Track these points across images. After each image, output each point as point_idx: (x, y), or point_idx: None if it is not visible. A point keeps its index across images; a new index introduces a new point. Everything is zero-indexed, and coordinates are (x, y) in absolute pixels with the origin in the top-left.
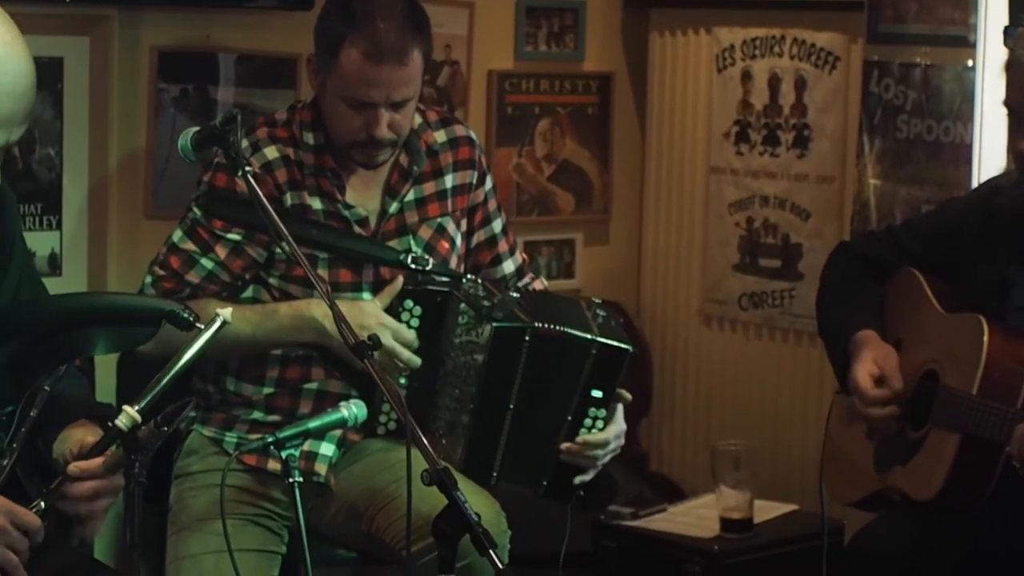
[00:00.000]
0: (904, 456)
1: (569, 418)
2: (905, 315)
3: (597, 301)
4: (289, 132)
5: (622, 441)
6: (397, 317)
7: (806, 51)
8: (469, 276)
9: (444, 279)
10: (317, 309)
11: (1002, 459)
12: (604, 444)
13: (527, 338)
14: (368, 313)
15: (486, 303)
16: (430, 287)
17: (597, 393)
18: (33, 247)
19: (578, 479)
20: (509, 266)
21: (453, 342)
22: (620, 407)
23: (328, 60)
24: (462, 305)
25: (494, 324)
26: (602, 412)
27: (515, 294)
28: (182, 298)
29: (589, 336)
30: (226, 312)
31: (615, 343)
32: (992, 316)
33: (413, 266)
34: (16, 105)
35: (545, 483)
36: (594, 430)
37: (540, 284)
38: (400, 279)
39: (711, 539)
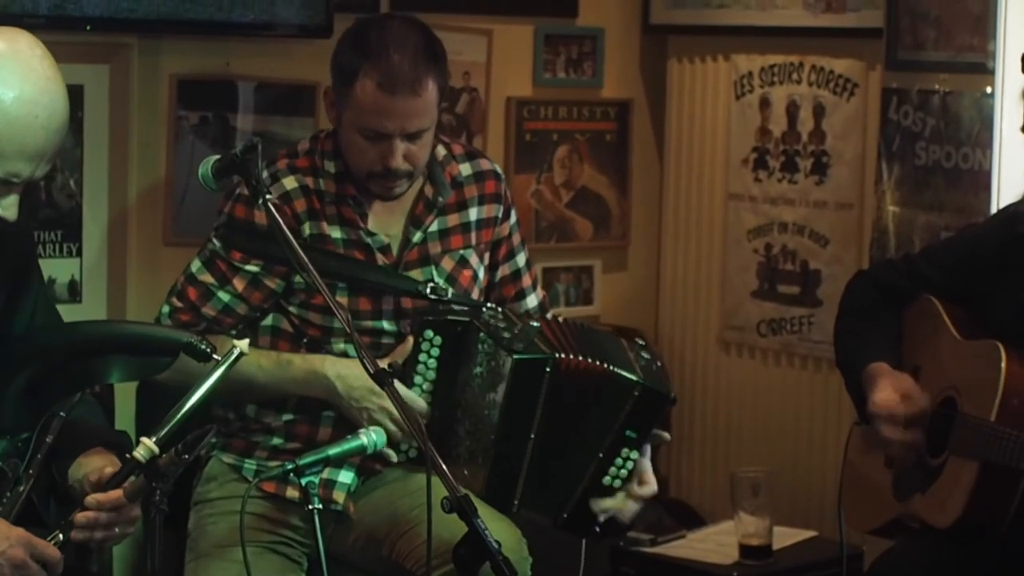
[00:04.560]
0: (923, 483)
1: (600, 455)
2: (923, 342)
3: (641, 343)
4: (311, 161)
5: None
6: (417, 348)
7: (824, 78)
8: (489, 305)
9: (464, 308)
10: (331, 368)
11: (1021, 486)
12: (644, 496)
13: (547, 369)
14: (376, 396)
15: (506, 334)
16: (450, 317)
17: (631, 433)
18: (53, 274)
19: (602, 515)
20: (532, 300)
21: (473, 371)
22: (647, 456)
23: (343, 91)
24: (482, 334)
25: (514, 356)
26: (635, 453)
27: (535, 323)
28: (198, 332)
29: (635, 378)
30: (243, 344)
31: (660, 389)
32: (1010, 343)
33: (432, 296)
34: (48, 141)
35: (565, 515)
36: (623, 470)
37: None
38: (409, 341)
39: (730, 565)
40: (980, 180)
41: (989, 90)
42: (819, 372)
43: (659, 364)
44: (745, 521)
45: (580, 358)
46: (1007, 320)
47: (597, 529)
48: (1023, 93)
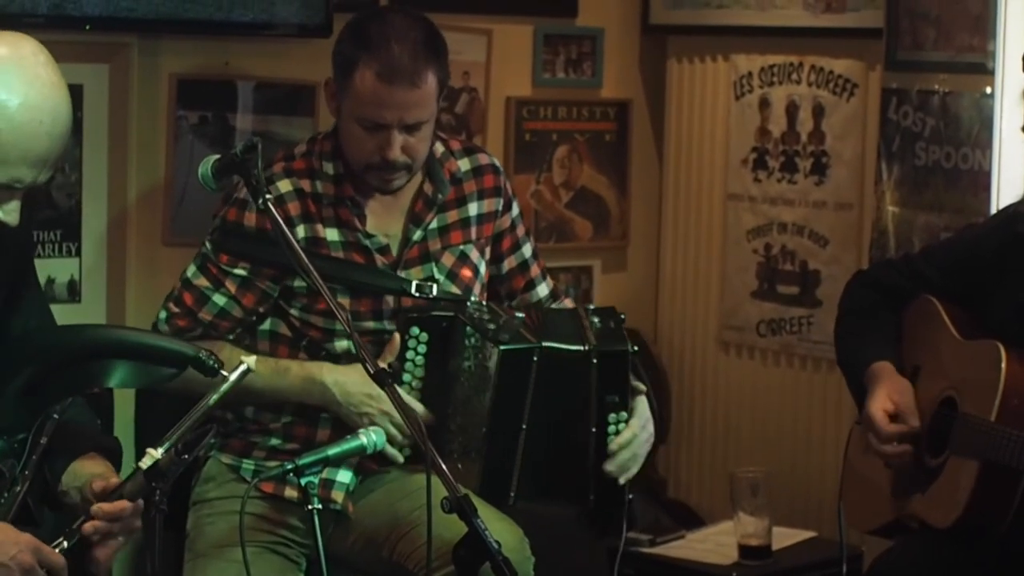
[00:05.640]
0: (923, 484)
1: (594, 430)
2: (923, 342)
3: (591, 307)
4: (308, 163)
5: (651, 428)
6: (404, 345)
7: (824, 78)
8: (473, 300)
9: (449, 304)
10: (328, 375)
11: (1021, 486)
12: (632, 440)
13: (535, 358)
14: (375, 400)
15: (491, 326)
16: (435, 313)
17: (612, 398)
18: (52, 274)
19: (623, 479)
20: (543, 290)
21: (462, 366)
22: (641, 398)
23: (343, 82)
24: (467, 328)
25: (501, 347)
26: (623, 415)
27: (520, 314)
28: (194, 336)
29: (585, 347)
30: (250, 360)
31: (612, 347)
32: (1010, 342)
33: (417, 294)
34: (52, 146)
35: (592, 497)
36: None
37: (569, 303)
38: (397, 338)
39: (729, 566)
40: (980, 180)
41: (989, 90)
42: (818, 372)
43: (614, 322)
44: (744, 521)
45: (552, 343)
46: (1007, 320)
47: (631, 497)
48: (1023, 93)
